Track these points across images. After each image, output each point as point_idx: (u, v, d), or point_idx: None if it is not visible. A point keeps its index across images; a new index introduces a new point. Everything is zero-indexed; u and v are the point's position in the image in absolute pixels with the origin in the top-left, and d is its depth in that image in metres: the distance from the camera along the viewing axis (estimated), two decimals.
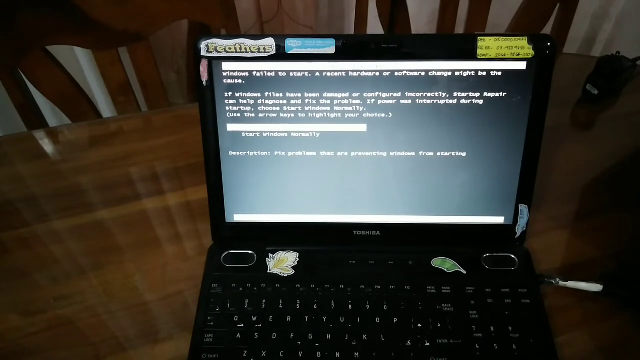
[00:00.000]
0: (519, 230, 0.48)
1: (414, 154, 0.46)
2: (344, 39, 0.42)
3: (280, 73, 0.43)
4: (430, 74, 0.43)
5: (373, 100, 0.44)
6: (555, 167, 0.59)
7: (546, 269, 0.48)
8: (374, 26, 0.97)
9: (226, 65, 0.43)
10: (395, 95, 0.44)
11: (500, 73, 0.43)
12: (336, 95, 0.44)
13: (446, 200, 0.47)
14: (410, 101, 0.44)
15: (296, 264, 0.48)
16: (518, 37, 0.42)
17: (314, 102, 0.44)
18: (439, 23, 0.94)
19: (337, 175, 0.47)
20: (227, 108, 0.45)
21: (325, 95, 0.44)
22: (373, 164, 0.46)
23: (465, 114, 0.44)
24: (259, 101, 0.44)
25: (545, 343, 0.42)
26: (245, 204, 0.48)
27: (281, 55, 0.43)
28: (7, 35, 0.70)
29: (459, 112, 0.44)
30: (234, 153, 0.46)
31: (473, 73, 0.43)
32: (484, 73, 0.43)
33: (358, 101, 0.44)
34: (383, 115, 0.44)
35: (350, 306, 0.44)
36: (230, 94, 0.44)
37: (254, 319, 0.43)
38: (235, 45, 0.43)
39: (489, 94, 0.44)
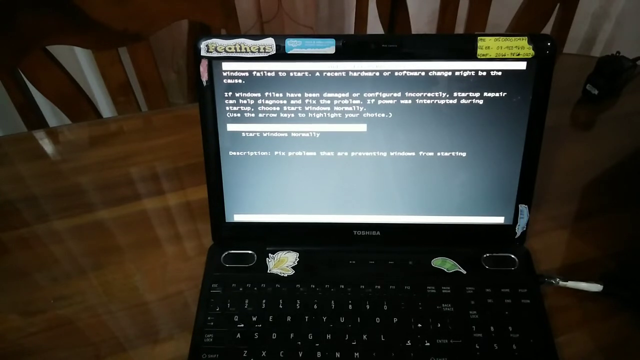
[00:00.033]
0: (519, 230, 0.48)
1: (414, 154, 0.46)
2: (344, 39, 0.42)
3: (280, 73, 0.43)
4: (430, 74, 0.43)
5: (373, 100, 0.44)
6: (555, 167, 0.59)
7: (546, 269, 0.48)
8: (374, 26, 0.97)
9: (226, 65, 0.43)
10: (395, 95, 0.44)
11: (500, 73, 0.43)
12: (336, 95, 0.44)
13: (446, 200, 0.47)
14: (410, 101, 0.44)
15: (296, 264, 0.48)
16: (518, 37, 0.42)
17: (314, 102, 0.44)
18: (439, 23, 0.94)
19: (337, 175, 0.47)
20: (227, 108, 0.45)
21: (325, 95, 0.44)
22: (373, 164, 0.46)
23: (465, 114, 0.44)
24: (259, 101, 0.44)
25: (545, 343, 0.42)
26: (245, 204, 0.48)
27: (281, 55, 0.43)
28: (7, 35, 0.70)
29: (459, 112, 0.44)
30: (234, 153, 0.46)
31: (473, 73, 0.43)
32: (484, 73, 0.43)
33: (358, 101, 0.44)
34: (383, 115, 0.44)
35: (350, 306, 0.44)
36: (230, 94, 0.44)
37: (254, 319, 0.43)
38: (235, 45, 0.43)
39: (489, 94, 0.44)
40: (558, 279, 0.46)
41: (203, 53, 0.43)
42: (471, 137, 0.45)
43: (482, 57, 0.42)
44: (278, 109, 0.45)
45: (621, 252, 0.50)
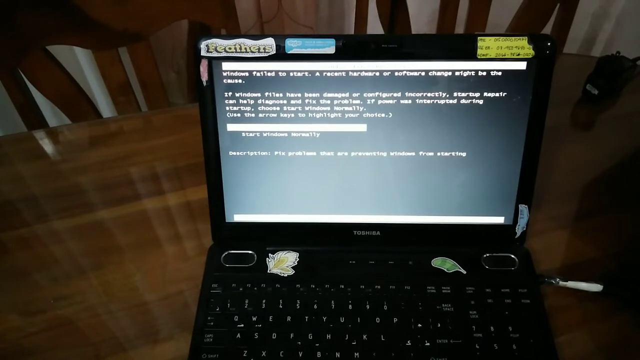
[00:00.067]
0: (519, 230, 0.48)
1: (414, 154, 0.46)
2: (344, 39, 0.42)
3: (280, 73, 0.43)
4: (430, 74, 0.43)
5: (373, 100, 0.44)
6: (555, 167, 0.59)
7: (546, 269, 0.48)
8: (374, 26, 0.97)
9: (226, 65, 0.43)
10: (395, 95, 0.44)
11: (500, 73, 0.43)
12: (336, 95, 0.44)
13: (446, 200, 0.47)
14: (410, 101, 0.44)
15: (296, 264, 0.48)
16: (518, 37, 0.42)
17: (314, 102, 0.44)
18: (439, 23, 0.94)
19: (337, 175, 0.47)
20: (227, 108, 0.45)
21: (325, 95, 0.44)
22: (373, 164, 0.46)
23: (465, 114, 0.44)
24: (259, 101, 0.44)
25: (545, 343, 0.42)
26: (245, 204, 0.48)
27: (281, 55, 0.43)
28: (7, 35, 0.70)
29: (459, 112, 0.44)
30: (234, 153, 0.46)
31: (473, 73, 0.43)
32: (484, 73, 0.43)
33: (358, 101, 0.44)
34: (383, 115, 0.44)
35: (350, 306, 0.44)
36: (230, 94, 0.44)
37: (254, 319, 0.43)
38: (235, 45, 0.43)
39: (489, 94, 0.44)
40: (558, 279, 0.46)
41: (203, 53, 0.43)
42: (471, 137, 0.45)
43: (482, 57, 0.42)
44: (278, 109, 0.45)
45: (621, 252, 0.50)
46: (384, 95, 0.44)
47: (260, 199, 0.48)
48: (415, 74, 0.43)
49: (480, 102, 0.44)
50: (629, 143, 0.63)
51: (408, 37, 0.48)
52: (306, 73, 0.43)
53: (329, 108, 0.44)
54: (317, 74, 0.43)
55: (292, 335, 0.42)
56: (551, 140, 0.54)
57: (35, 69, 0.74)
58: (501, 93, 0.43)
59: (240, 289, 0.46)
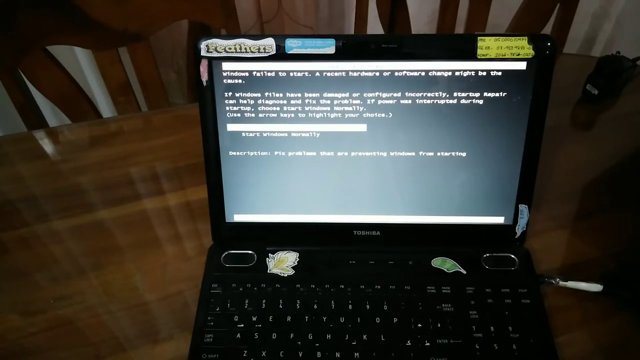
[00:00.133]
0: (519, 230, 0.48)
1: (414, 154, 0.46)
2: (344, 39, 0.42)
3: (280, 73, 0.43)
4: (430, 74, 0.43)
5: (373, 100, 0.44)
6: (555, 167, 0.59)
7: (546, 269, 0.48)
8: (374, 26, 0.97)
9: (226, 65, 0.43)
10: (395, 95, 0.44)
11: (500, 73, 0.43)
12: (336, 95, 0.44)
13: (446, 200, 0.47)
14: (410, 101, 0.44)
15: (296, 264, 0.48)
16: (518, 37, 0.42)
17: (314, 102, 0.44)
18: (439, 23, 0.94)
19: (337, 175, 0.47)
20: (227, 108, 0.45)
21: (325, 95, 0.44)
22: (373, 164, 0.46)
23: (465, 114, 0.44)
24: (259, 101, 0.44)
25: (545, 343, 0.42)
26: (245, 204, 0.48)
27: (281, 55, 0.43)
28: (7, 35, 0.70)
29: (459, 112, 0.44)
30: (234, 153, 0.46)
31: (473, 73, 0.43)
32: (484, 73, 0.43)
33: (358, 101, 0.44)
34: (383, 115, 0.44)
35: (350, 306, 0.44)
36: (230, 94, 0.44)
37: (254, 319, 0.43)
38: (235, 45, 0.43)
39: (489, 94, 0.44)
40: (558, 279, 0.46)
41: (203, 53, 0.43)
42: (471, 137, 0.45)
43: (482, 57, 0.42)
44: (278, 109, 0.45)
45: (621, 252, 0.50)
46: (384, 95, 0.44)
47: (260, 199, 0.48)
48: (415, 74, 0.43)
49: (480, 102, 0.44)
50: (629, 143, 0.63)
51: (408, 37, 0.48)
52: (306, 73, 0.43)
53: (329, 108, 0.44)
54: (317, 74, 0.43)
55: (292, 335, 0.42)
56: (551, 140, 0.54)
57: (35, 69, 0.74)
58: (501, 93, 0.43)
59: (240, 289, 0.46)
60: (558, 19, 0.89)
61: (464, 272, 0.47)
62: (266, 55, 0.43)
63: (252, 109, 0.45)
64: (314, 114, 0.45)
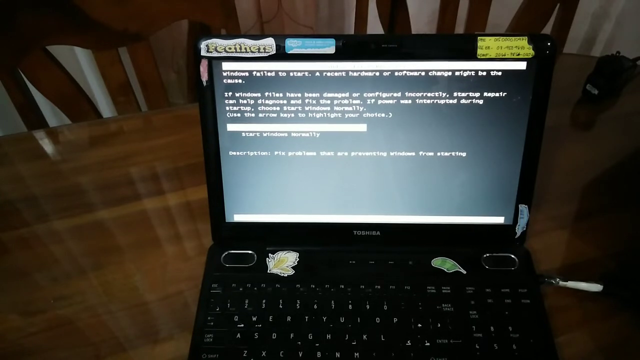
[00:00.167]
0: (519, 230, 0.48)
1: (414, 154, 0.46)
2: (344, 39, 0.42)
3: (280, 73, 0.43)
4: (430, 74, 0.43)
5: (373, 100, 0.44)
6: (555, 167, 0.59)
7: (546, 269, 0.48)
8: (374, 26, 0.97)
9: (226, 65, 0.43)
10: (395, 95, 0.44)
11: (500, 73, 0.43)
12: (336, 95, 0.44)
13: (446, 200, 0.47)
14: (410, 101, 0.44)
15: (296, 264, 0.48)
16: (518, 37, 0.42)
17: (314, 102, 0.44)
18: (439, 23, 0.94)
19: (337, 175, 0.47)
20: (227, 108, 0.45)
21: (325, 95, 0.44)
22: (373, 164, 0.46)
23: (465, 114, 0.44)
24: (259, 101, 0.44)
25: (545, 343, 0.42)
26: (245, 204, 0.48)
27: (281, 55, 0.43)
28: (7, 35, 0.70)
29: (459, 112, 0.44)
30: (234, 153, 0.46)
31: (473, 73, 0.43)
32: (484, 73, 0.43)
33: (358, 101, 0.44)
34: (383, 115, 0.44)
35: (350, 306, 0.44)
36: (230, 94, 0.44)
37: (254, 319, 0.43)
38: (235, 45, 0.43)
39: (489, 94, 0.44)
40: (558, 279, 0.46)
41: (203, 53, 0.43)
42: (471, 137, 0.45)
43: (482, 57, 0.42)
44: (278, 109, 0.45)
45: (621, 252, 0.50)
46: (384, 95, 0.44)
47: (260, 199, 0.48)
48: (415, 74, 0.43)
49: (480, 102, 0.44)
50: (629, 143, 0.63)
51: (408, 37, 0.48)
52: (306, 73, 0.43)
53: (329, 108, 0.44)
54: (317, 74, 0.43)
55: (292, 335, 0.42)
56: (551, 140, 0.54)
57: (35, 69, 0.74)
58: (501, 93, 0.43)
59: (240, 289, 0.46)
60: (558, 19, 0.89)
61: (464, 272, 0.47)
62: (266, 55, 0.43)
63: (252, 109, 0.45)
64: (314, 114, 0.45)
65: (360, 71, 0.43)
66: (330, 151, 0.46)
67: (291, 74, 0.43)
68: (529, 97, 0.43)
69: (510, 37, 0.42)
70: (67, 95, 0.78)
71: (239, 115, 0.45)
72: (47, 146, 0.67)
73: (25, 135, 0.71)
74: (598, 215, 0.54)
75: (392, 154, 0.46)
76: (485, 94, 0.43)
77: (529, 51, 0.42)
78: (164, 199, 0.57)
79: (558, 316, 0.44)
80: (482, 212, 0.48)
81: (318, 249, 0.49)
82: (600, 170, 0.60)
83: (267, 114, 0.45)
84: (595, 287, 0.45)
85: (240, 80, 0.44)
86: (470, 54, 0.42)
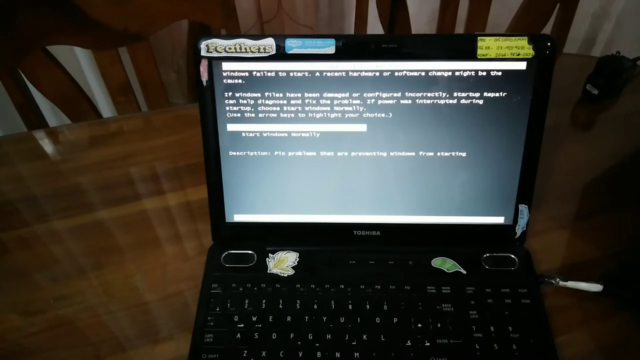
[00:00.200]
0: (519, 230, 0.48)
1: (414, 154, 0.46)
2: (344, 39, 0.42)
3: (280, 73, 0.43)
4: (430, 74, 0.43)
5: (373, 100, 0.44)
6: (555, 167, 0.59)
7: (546, 269, 0.48)
8: (374, 26, 0.97)
9: (226, 65, 0.43)
10: (395, 95, 0.44)
11: (500, 73, 0.43)
12: (336, 95, 0.44)
13: (446, 200, 0.47)
14: (410, 101, 0.44)
15: (296, 264, 0.48)
16: (518, 37, 0.42)
17: (314, 102, 0.44)
18: (439, 23, 0.94)
19: (337, 175, 0.47)
20: (227, 108, 0.45)
21: (325, 95, 0.44)
22: (373, 164, 0.46)
23: (465, 114, 0.44)
24: (259, 101, 0.44)
25: (545, 343, 0.42)
26: (245, 204, 0.48)
27: (281, 55, 0.43)
28: (7, 35, 0.70)
29: (459, 112, 0.44)
30: (234, 153, 0.46)
31: (473, 73, 0.43)
32: (484, 73, 0.43)
33: (358, 101, 0.44)
34: (383, 115, 0.44)
35: (350, 306, 0.44)
36: (230, 94, 0.44)
37: (254, 319, 0.43)
38: (235, 45, 0.43)
39: (489, 94, 0.44)
40: (558, 279, 0.46)
41: (203, 53, 0.43)
42: (471, 137, 0.45)
43: (482, 57, 0.42)
44: (278, 109, 0.45)
45: (621, 252, 0.50)
46: (384, 95, 0.44)
47: (260, 199, 0.48)
48: (415, 74, 0.43)
49: (480, 102, 0.44)
50: (629, 143, 0.63)
51: (408, 37, 0.48)
52: (306, 73, 0.43)
53: (329, 108, 0.44)
54: (317, 74, 0.43)
55: (292, 335, 0.42)
56: (551, 140, 0.54)
57: (35, 69, 0.74)
58: (501, 93, 0.43)
59: (240, 289, 0.46)
60: (558, 19, 0.89)
61: (464, 272, 0.47)
62: (266, 55, 0.43)
63: (252, 109, 0.45)
64: (314, 114, 0.45)
65: (360, 71, 0.43)
66: (330, 151, 0.46)
67: (291, 74, 0.43)
68: (529, 97, 0.43)
69: (510, 37, 0.42)
70: (67, 95, 0.78)
71: (239, 115, 0.45)
72: (47, 146, 0.67)
73: (25, 135, 0.71)
74: (598, 215, 0.54)
75: (392, 154, 0.46)
76: (485, 94, 0.43)
77: (529, 51, 0.42)
78: (164, 199, 0.57)
79: (558, 316, 0.44)
80: (482, 212, 0.48)
81: (318, 249, 0.49)
82: (600, 170, 0.60)
83: (267, 114, 0.45)
84: (595, 287, 0.45)
85: (240, 80, 0.44)
86: (470, 54, 0.42)
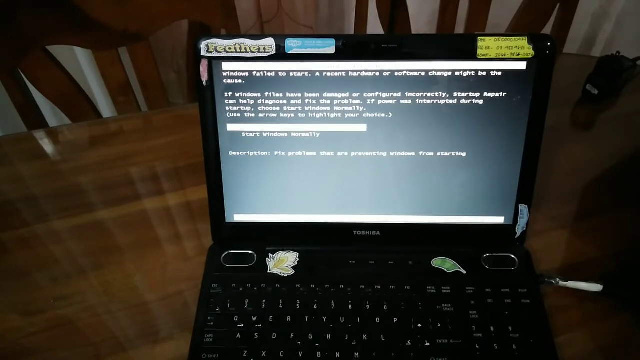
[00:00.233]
0: (519, 230, 0.48)
1: (414, 154, 0.46)
2: (344, 39, 0.42)
3: (280, 73, 0.43)
4: (430, 74, 0.43)
5: (373, 100, 0.44)
6: (555, 167, 0.59)
7: (546, 269, 0.48)
8: (374, 26, 0.97)
9: (226, 65, 0.43)
10: (395, 95, 0.44)
11: (500, 73, 0.43)
12: (336, 95, 0.44)
13: (446, 200, 0.47)
14: (410, 101, 0.44)
15: (296, 264, 0.48)
16: (518, 37, 0.42)
17: (314, 102, 0.44)
18: (439, 23, 0.94)
19: (337, 175, 0.47)
20: (227, 108, 0.45)
21: (325, 95, 0.44)
22: (373, 164, 0.46)
23: (465, 114, 0.44)
24: (259, 101, 0.44)
25: (545, 343, 0.42)
26: (245, 204, 0.48)
27: (281, 55, 0.43)
28: (7, 35, 0.70)
29: (459, 112, 0.44)
30: (234, 153, 0.46)
31: (473, 73, 0.43)
32: (484, 73, 0.43)
33: (358, 101, 0.44)
34: (383, 115, 0.44)
35: (350, 306, 0.44)
36: (230, 94, 0.44)
37: (254, 319, 0.43)
38: (235, 45, 0.43)
39: (489, 94, 0.44)
40: (558, 279, 0.46)
41: (203, 53, 0.43)
42: (471, 137, 0.45)
43: (482, 57, 0.42)
44: (278, 109, 0.45)
45: (621, 252, 0.50)
46: (384, 95, 0.44)
47: (260, 199, 0.48)
48: (415, 74, 0.43)
49: (480, 102, 0.44)
50: (629, 143, 0.63)
51: (408, 37, 0.48)
52: (306, 73, 0.43)
53: (329, 108, 0.44)
54: (317, 74, 0.43)
55: (292, 335, 0.42)
56: (551, 140, 0.54)
57: (35, 69, 0.74)
58: (501, 93, 0.43)
59: (240, 289, 0.46)
60: (558, 19, 0.89)
61: (464, 272, 0.47)
62: (266, 55, 0.43)
63: (252, 109, 0.45)
64: (314, 114, 0.45)
65: (360, 71, 0.43)
66: (330, 151, 0.46)
67: (291, 74, 0.43)
68: (529, 97, 0.43)
69: (510, 37, 0.42)
70: (67, 95, 0.78)
71: (239, 115, 0.45)
72: (47, 146, 0.67)
73: (25, 135, 0.71)
74: (598, 215, 0.54)
75: (392, 154, 0.46)
76: (485, 94, 0.43)
77: (529, 51, 0.42)
78: (164, 199, 0.57)
79: (558, 316, 0.44)
80: (482, 212, 0.48)
81: (318, 249, 0.49)
82: (600, 170, 0.60)
83: (267, 114, 0.45)
84: (595, 287, 0.45)
85: (240, 80, 0.44)
86: (470, 54, 0.42)
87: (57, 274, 0.49)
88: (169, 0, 0.76)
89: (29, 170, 0.62)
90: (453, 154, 0.46)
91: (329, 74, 0.43)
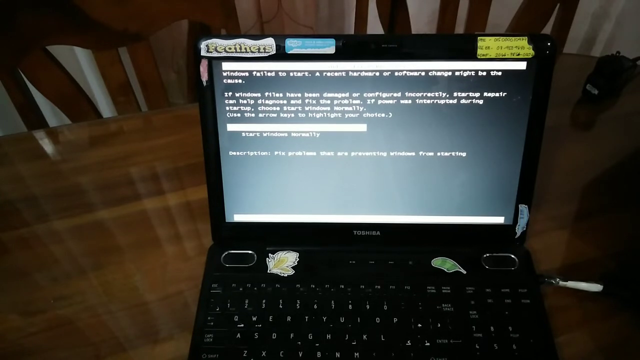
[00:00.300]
0: (519, 230, 0.48)
1: (414, 154, 0.46)
2: (344, 39, 0.42)
3: (280, 73, 0.43)
4: (430, 74, 0.43)
5: (373, 100, 0.44)
6: (555, 167, 0.59)
7: (546, 269, 0.48)
8: (374, 26, 0.97)
9: (226, 65, 0.43)
10: (395, 95, 0.44)
11: (500, 73, 0.43)
12: (336, 95, 0.44)
13: (446, 200, 0.47)
14: (410, 101, 0.44)
15: (296, 264, 0.48)
16: (518, 37, 0.42)
17: (314, 102, 0.44)
18: (439, 23, 0.94)
19: (337, 175, 0.47)
20: (227, 108, 0.45)
21: (325, 95, 0.44)
22: (373, 164, 0.46)
23: (465, 114, 0.44)
24: (259, 101, 0.44)
25: (545, 343, 0.42)
26: (245, 204, 0.48)
27: (281, 55, 0.43)
28: (7, 35, 0.70)
29: (459, 112, 0.44)
30: (234, 153, 0.46)
31: (473, 73, 0.43)
32: (484, 73, 0.43)
33: (358, 101, 0.44)
34: (383, 115, 0.44)
35: (350, 306, 0.44)
36: (230, 94, 0.44)
37: (254, 319, 0.43)
38: (235, 45, 0.43)
39: (489, 94, 0.44)
40: (558, 279, 0.46)
41: (203, 53, 0.43)
42: (471, 137, 0.45)
43: (482, 57, 0.42)
44: (278, 109, 0.45)
45: (621, 252, 0.50)
46: (384, 95, 0.44)
47: (260, 199, 0.48)
48: (415, 74, 0.43)
49: (480, 102, 0.44)
50: (629, 143, 0.63)
51: (408, 37, 0.48)
52: (306, 73, 0.43)
53: (329, 108, 0.44)
54: (317, 74, 0.43)
55: (292, 335, 0.42)
56: (551, 140, 0.54)
57: (35, 69, 0.74)
58: (501, 93, 0.43)
59: (240, 289, 0.46)
60: (558, 19, 0.89)
61: (464, 272, 0.47)
62: (266, 55, 0.43)
63: (252, 109, 0.45)
64: (314, 114, 0.45)
65: (360, 71, 0.43)
66: (330, 151, 0.46)
67: (291, 74, 0.43)
68: (529, 97, 0.43)
69: (510, 37, 0.42)
70: (67, 95, 0.78)
71: (239, 115, 0.45)
72: (47, 146, 0.67)
73: (25, 135, 0.71)
74: (598, 215, 0.54)
75: (392, 154, 0.46)
76: (485, 94, 0.43)
77: (529, 51, 0.42)
78: (164, 199, 0.57)
79: (558, 316, 0.44)
80: (482, 212, 0.48)
81: (318, 249, 0.49)
82: (600, 170, 0.60)
83: (267, 114, 0.45)
84: (595, 287, 0.45)
85: (240, 80, 0.44)
86: (470, 54, 0.42)
87: (57, 274, 0.49)
88: (169, 0, 0.76)
89: (29, 170, 0.62)
90: (453, 154, 0.46)
91: (329, 74, 0.43)
